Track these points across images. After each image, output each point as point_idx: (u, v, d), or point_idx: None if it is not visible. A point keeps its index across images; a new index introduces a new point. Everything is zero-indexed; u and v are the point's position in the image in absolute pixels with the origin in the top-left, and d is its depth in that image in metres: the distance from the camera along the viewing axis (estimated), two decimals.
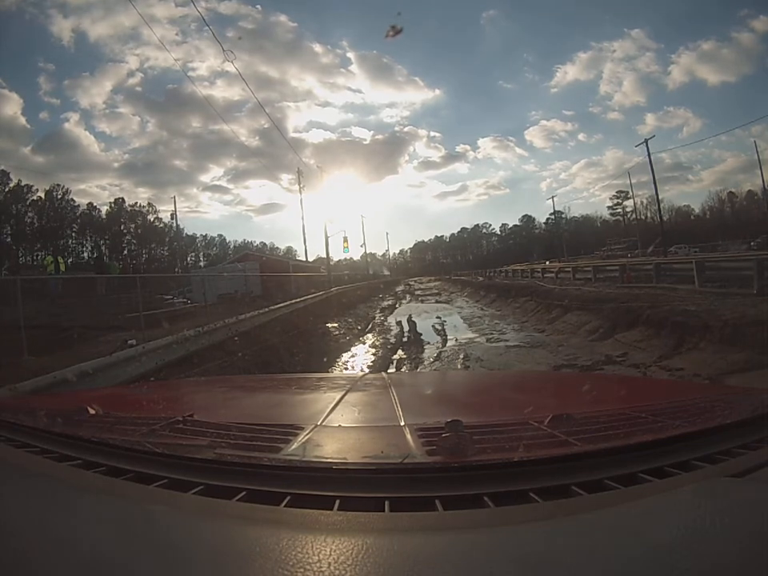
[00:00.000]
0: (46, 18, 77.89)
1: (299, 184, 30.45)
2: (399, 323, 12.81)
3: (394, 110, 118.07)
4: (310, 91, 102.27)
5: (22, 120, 69.28)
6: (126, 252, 61.02)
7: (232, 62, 17.64)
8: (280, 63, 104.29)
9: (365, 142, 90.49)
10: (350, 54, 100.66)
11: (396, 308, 19.76)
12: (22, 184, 53.80)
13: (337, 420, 1.13)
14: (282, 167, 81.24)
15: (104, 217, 61.57)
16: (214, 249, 73.41)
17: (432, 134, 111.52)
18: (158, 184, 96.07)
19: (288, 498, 0.66)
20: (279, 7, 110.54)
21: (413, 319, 12.78)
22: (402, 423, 1.04)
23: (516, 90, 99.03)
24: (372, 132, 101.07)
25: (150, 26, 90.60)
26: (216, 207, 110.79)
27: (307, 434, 0.91)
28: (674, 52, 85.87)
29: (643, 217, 58.44)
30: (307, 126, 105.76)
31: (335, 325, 12.35)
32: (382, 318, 15.21)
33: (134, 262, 49.61)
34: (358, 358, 8.22)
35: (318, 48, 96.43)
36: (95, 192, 78.22)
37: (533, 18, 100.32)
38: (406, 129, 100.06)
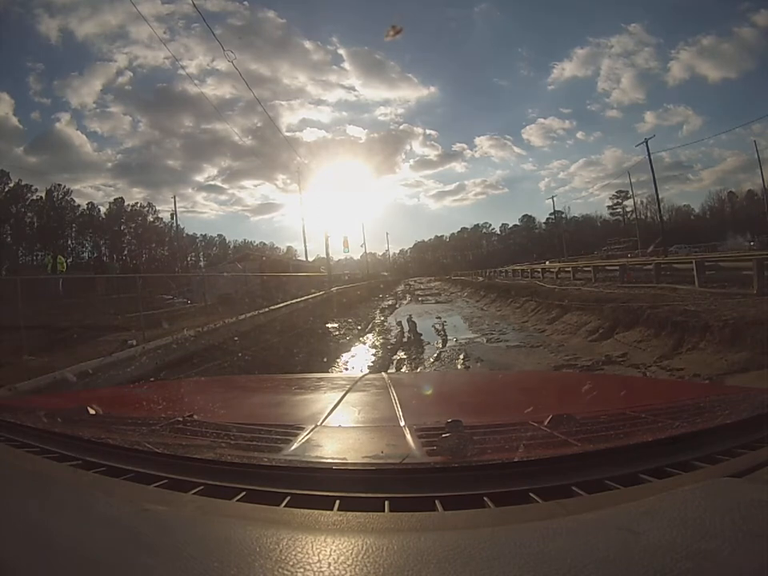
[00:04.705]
0: (32, 17, 76.94)
1: (298, 183, 30.52)
2: (399, 323, 12.78)
3: (388, 107, 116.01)
4: (302, 89, 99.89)
5: (14, 120, 68.30)
6: (126, 252, 60.95)
7: (232, 62, 17.68)
8: (270, 61, 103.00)
9: (360, 141, 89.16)
10: (341, 51, 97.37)
11: (396, 308, 19.72)
12: (22, 184, 53.84)
13: (337, 420, 1.14)
14: (277, 167, 79.79)
15: (103, 217, 61.60)
16: (214, 249, 73.28)
17: (428, 132, 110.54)
18: (152, 184, 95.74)
19: (288, 498, 0.66)
20: (266, 3, 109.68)
21: (413, 319, 12.74)
22: (402, 423, 1.04)
23: (512, 87, 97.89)
24: (367, 131, 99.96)
25: (148, 23, 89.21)
26: (212, 207, 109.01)
27: (307, 435, 0.92)
28: (673, 47, 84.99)
29: (643, 216, 58.51)
30: (301, 125, 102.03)
31: (335, 325, 12.33)
32: (382, 319, 15.18)
33: (134, 261, 49.58)
34: (358, 358, 8.20)
35: (308, 45, 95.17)
36: (90, 192, 76.37)
37: (527, 12, 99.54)
38: (401, 127, 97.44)
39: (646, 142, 33.06)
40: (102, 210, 62.26)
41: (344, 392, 1.47)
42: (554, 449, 0.77)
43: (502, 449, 0.79)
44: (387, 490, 0.68)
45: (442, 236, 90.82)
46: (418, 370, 6.88)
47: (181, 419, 0.99)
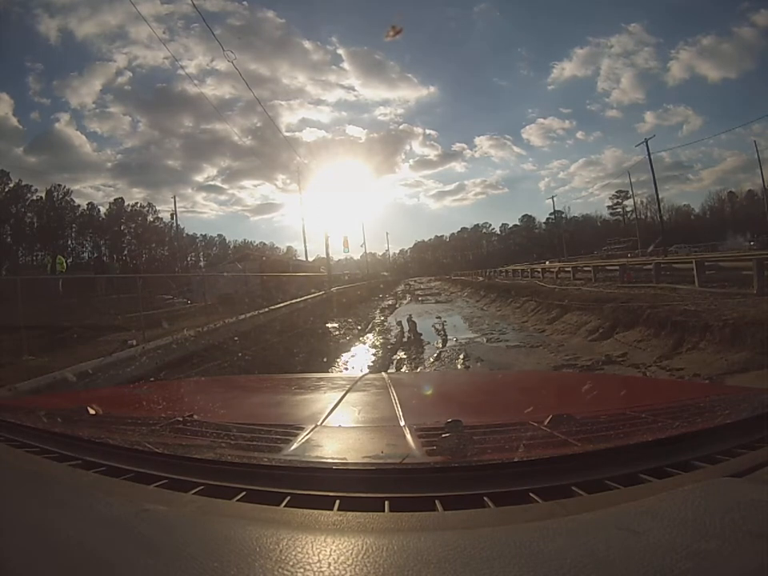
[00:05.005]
0: (32, 17, 76.91)
1: (298, 183, 30.50)
2: (399, 323, 12.77)
3: (387, 107, 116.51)
4: (301, 89, 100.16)
5: (14, 120, 68.47)
6: (126, 252, 60.94)
7: (232, 62, 17.70)
8: (270, 60, 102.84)
9: (360, 141, 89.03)
10: (341, 51, 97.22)
11: (396, 308, 19.71)
12: (22, 184, 53.84)
13: (337, 420, 1.14)
14: (277, 167, 79.27)
15: (104, 217, 61.62)
16: (214, 249, 73.29)
17: (428, 131, 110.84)
18: (152, 184, 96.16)
19: (288, 498, 0.66)
20: (266, 3, 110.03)
21: (413, 319, 12.74)
22: (402, 423, 1.04)
23: (512, 87, 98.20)
24: (366, 131, 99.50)
25: (148, 23, 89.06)
26: (212, 207, 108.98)
27: (307, 434, 0.92)
28: (673, 47, 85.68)
29: (643, 216, 58.55)
30: (300, 125, 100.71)
31: (335, 325, 12.33)
32: (382, 318, 15.18)
33: (134, 261, 49.61)
34: (358, 358, 8.19)
35: (307, 44, 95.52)
36: (89, 193, 76.14)
37: (527, 12, 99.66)
38: (401, 127, 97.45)
39: (646, 142, 33.14)
40: (102, 210, 62.40)
41: (344, 392, 1.47)
42: (554, 449, 0.77)
43: (502, 449, 0.78)
44: (387, 490, 0.68)
45: (442, 236, 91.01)
46: (418, 369, 6.88)
47: (181, 419, 0.99)
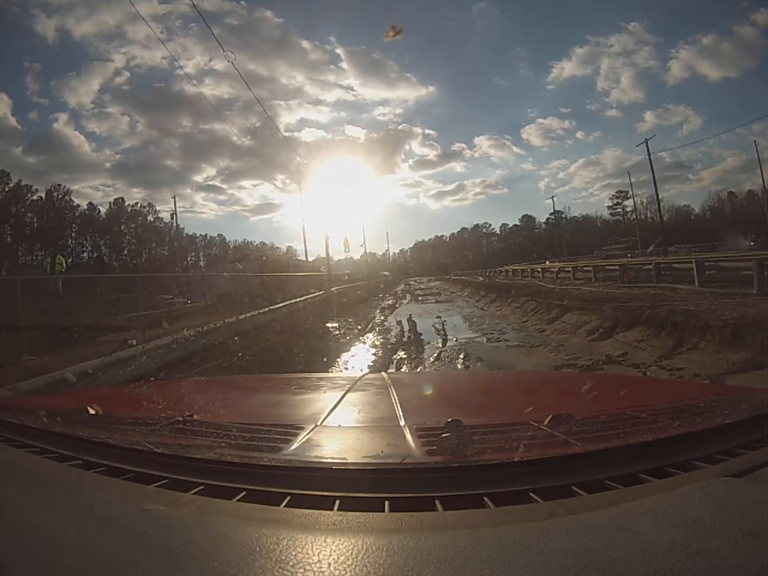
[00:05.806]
0: (29, 17, 75.82)
1: (298, 183, 30.55)
2: (399, 323, 12.77)
3: (387, 107, 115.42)
4: (300, 89, 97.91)
5: (13, 121, 67.91)
6: (126, 252, 60.91)
7: (232, 62, 17.72)
8: (268, 60, 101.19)
9: (359, 141, 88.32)
10: (339, 50, 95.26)
11: (396, 308, 19.70)
12: (22, 184, 53.81)
13: (337, 420, 1.14)
14: (276, 167, 78.30)
15: (103, 217, 61.59)
16: (214, 249, 73.08)
17: (427, 131, 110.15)
18: (151, 184, 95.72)
19: (288, 498, 0.66)
20: (264, 2, 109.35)
21: (413, 319, 12.72)
22: (402, 423, 1.04)
23: (512, 87, 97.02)
24: (365, 131, 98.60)
25: (146, 22, 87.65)
26: (211, 207, 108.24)
27: (307, 434, 0.92)
28: (673, 47, 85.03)
29: (643, 216, 58.35)
30: (299, 125, 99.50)
31: (335, 324, 12.34)
32: (382, 318, 15.17)
33: (134, 261, 49.69)
34: (358, 357, 8.19)
35: (305, 44, 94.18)
36: (89, 193, 75.44)
37: (526, 11, 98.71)
38: (400, 127, 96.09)
39: (646, 142, 33.16)
40: (102, 210, 62.30)
41: (344, 392, 1.47)
42: (554, 449, 0.77)
43: (502, 449, 0.79)
44: (387, 490, 0.68)
45: (442, 236, 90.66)
46: (418, 369, 6.88)
47: (181, 419, 0.99)
